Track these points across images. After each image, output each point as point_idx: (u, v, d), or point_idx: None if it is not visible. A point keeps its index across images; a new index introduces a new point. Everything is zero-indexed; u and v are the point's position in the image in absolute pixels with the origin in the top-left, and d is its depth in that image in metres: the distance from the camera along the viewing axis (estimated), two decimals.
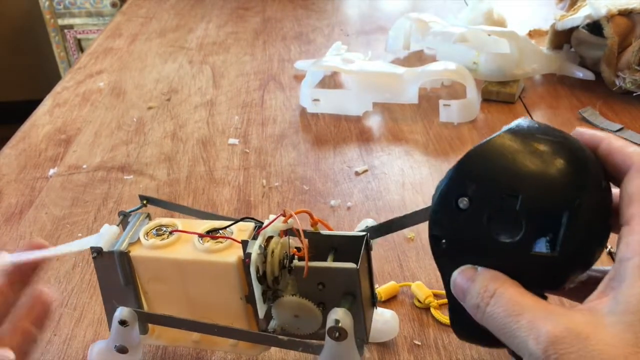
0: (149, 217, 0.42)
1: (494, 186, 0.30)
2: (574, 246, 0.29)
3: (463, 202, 0.31)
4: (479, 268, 0.31)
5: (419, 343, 0.45)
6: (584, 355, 0.25)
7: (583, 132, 0.33)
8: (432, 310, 0.47)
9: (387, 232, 0.39)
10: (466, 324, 0.33)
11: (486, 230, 0.31)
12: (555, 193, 0.29)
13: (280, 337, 0.38)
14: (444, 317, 0.47)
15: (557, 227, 0.29)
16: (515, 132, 0.32)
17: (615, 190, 0.32)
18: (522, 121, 0.32)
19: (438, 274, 0.51)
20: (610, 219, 0.31)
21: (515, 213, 0.30)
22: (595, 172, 0.31)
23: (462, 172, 0.32)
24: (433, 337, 0.45)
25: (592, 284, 0.29)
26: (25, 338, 0.40)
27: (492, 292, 0.29)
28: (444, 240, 0.33)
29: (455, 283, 0.32)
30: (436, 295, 0.48)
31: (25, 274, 0.42)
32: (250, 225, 0.40)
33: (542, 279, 0.30)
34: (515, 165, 0.30)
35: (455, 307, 0.33)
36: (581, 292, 0.30)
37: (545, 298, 0.31)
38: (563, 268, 0.30)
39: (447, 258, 0.33)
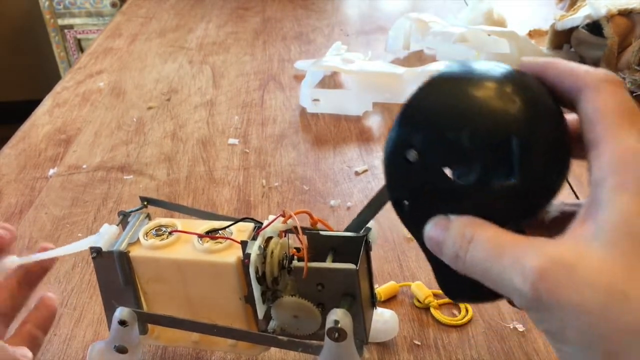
0: (148, 217, 0.42)
1: (437, 129, 0.29)
2: (531, 171, 0.28)
3: (412, 155, 0.29)
4: (451, 216, 0.29)
5: (419, 343, 0.45)
6: (574, 285, 0.24)
7: (525, 61, 0.31)
8: (432, 310, 0.47)
9: (363, 225, 0.38)
10: (454, 281, 0.31)
11: (443, 176, 0.29)
12: (500, 121, 0.28)
13: (279, 337, 0.38)
14: (444, 317, 0.47)
15: (511, 156, 0.28)
16: (450, 72, 0.30)
17: (570, 117, 0.30)
18: (455, 62, 0.31)
19: None
20: (567, 144, 0.29)
21: (466, 151, 0.28)
22: (541, 97, 0.29)
23: (402, 125, 0.30)
24: (433, 337, 0.45)
25: (570, 218, 0.28)
26: (30, 341, 0.40)
27: (469, 237, 0.28)
28: (405, 202, 0.31)
29: (429, 237, 0.30)
30: (436, 295, 0.48)
31: (32, 277, 0.43)
32: (250, 225, 0.40)
33: (512, 212, 0.29)
34: (455, 102, 0.29)
35: (438, 266, 0.31)
36: (561, 228, 0.28)
37: (524, 233, 0.29)
38: (528, 195, 0.29)
39: (414, 219, 0.31)
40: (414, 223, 0.32)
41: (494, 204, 0.29)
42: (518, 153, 0.28)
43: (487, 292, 0.29)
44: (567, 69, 0.29)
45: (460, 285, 0.31)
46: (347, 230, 0.39)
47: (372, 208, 0.37)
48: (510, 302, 0.30)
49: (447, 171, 0.29)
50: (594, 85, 0.28)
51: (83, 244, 0.40)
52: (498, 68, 0.30)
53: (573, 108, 0.29)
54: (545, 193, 0.29)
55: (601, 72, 0.28)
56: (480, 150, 0.28)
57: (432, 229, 0.30)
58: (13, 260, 0.42)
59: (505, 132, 0.28)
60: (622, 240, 0.24)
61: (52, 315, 0.43)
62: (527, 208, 0.29)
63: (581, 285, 0.24)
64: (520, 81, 0.29)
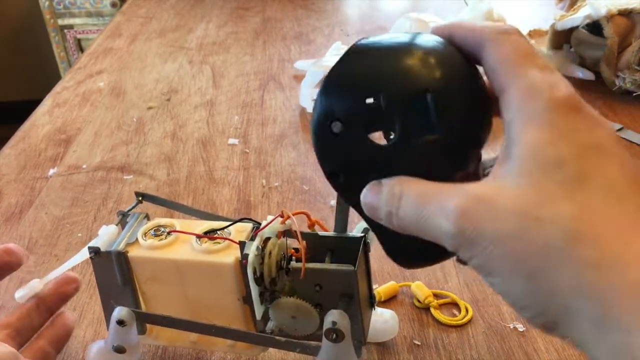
0: (147, 217, 0.42)
1: (355, 97, 0.30)
2: (450, 123, 0.29)
3: (337, 126, 0.30)
4: (383, 180, 0.30)
5: (419, 343, 0.45)
6: (493, 216, 0.25)
7: (434, 27, 0.32)
8: (432, 310, 0.47)
9: (345, 222, 0.39)
10: (400, 246, 0.32)
11: (369, 143, 0.30)
12: (413, 79, 0.29)
13: (277, 338, 0.38)
14: (444, 317, 0.47)
15: (429, 111, 0.28)
16: (363, 44, 0.31)
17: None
18: (366, 38, 0.32)
19: (438, 274, 0.51)
20: (484, 97, 0.30)
21: (385, 113, 0.29)
22: (450, 54, 0.30)
23: (323, 98, 0.31)
24: (433, 337, 0.45)
25: None
26: (41, 357, 0.41)
27: (398, 194, 0.29)
28: (340, 175, 0.32)
29: (364, 203, 0.31)
30: (436, 295, 0.48)
31: (52, 301, 0.43)
32: (248, 226, 0.40)
33: (441, 166, 0.30)
34: (369, 69, 0.30)
35: (382, 234, 0.32)
36: None
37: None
38: (451, 147, 0.29)
39: (351, 189, 0.32)
40: (352, 193, 0.32)
41: (421, 160, 0.29)
42: (434, 106, 0.28)
43: (432, 250, 0.29)
44: (469, 27, 0.30)
45: (406, 249, 0.32)
46: (335, 230, 0.39)
47: (342, 210, 0.38)
48: (459, 260, 0.30)
49: (374, 137, 0.30)
50: (492, 37, 0.29)
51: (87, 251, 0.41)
52: (408, 35, 0.31)
53: (481, 64, 0.30)
54: (468, 143, 0.30)
55: (498, 25, 0.30)
56: (398, 109, 0.29)
57: (367, 194, 0.31)
58: (35, 283, 0.43)
59: (418, 88, 0.29)
60: (532, 169, 0.26)
61: (67, 334, 0.44)
62: (454, 161, 0.30)
63: (499, 215, 0.25)
64: (430, 43, 0.30)
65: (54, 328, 0.43)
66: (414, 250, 0.31)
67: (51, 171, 0.70)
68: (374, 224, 0.32)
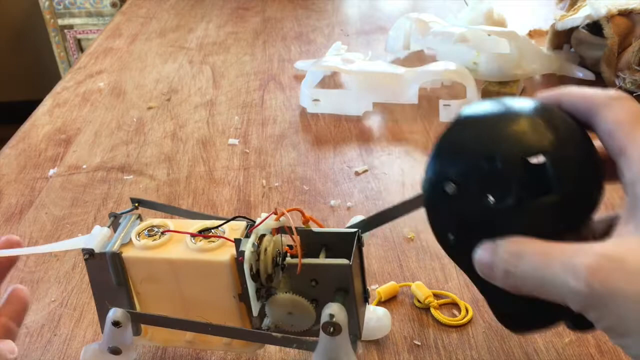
0: (140, 218, 0.42)
1: (472, 158, 0.30)
2: (567, 183, 0.29)
3: (450, 188, 0.31)
4: (497, 240, 0.30)
5: (419, 343, 0.45)
6: (626, 276, 0.25)
7: (542, 94, 0.33)
8: (432, 310, 0.47)
9: (377, 224, 0.39)
10: (510, 308, 0.32)
11: (483, 203, 0.30)
12: (530, 141, 0.30)
13: (274, 334, 0.38)
14: (444, 317, 0.47)
15: (545, 173, 0.29)
16: (473, 110, 0.32)
17: (597, 143, 0.32)
18: (475, 102, 0.33)
19: (438, 274, 0.51)
20: (596, 158, 0.31)
21: (501, 174, 0.29)
22: (562, 118, 0.31)
23: (437, 160, 0.32)
24: (433, 337, 0.45)
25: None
26: (5, 333, 0.40)
27: (517, 253, 0.29)
28: (449, 234, 0.32)
29: (478, 262, 0.31)
30: (436, 296, 0.48)
31: (0, 268, 0.42)
32: (243, 224, 0.40)
33: (554, 227, 0.30)
34: (485, 133, 0.31)
35: (493, 297, 0.32)
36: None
37: None
38: (568, 207, 0.30)
39: (461, 250, 0.32)
40: (461, 254, 0.32)
41: (535, 221, 0.30)
42: (550, 168, 0.29)
43: (546, 313, 0.30)
44: (579, 93, 0.31)
45: (519, 312, 0.32)
46: (355, 226, 0.40)
47: (394, 212, 0.37)
48: (568, 326, 0.31)
49: (487, 197, 0.30)
50: (605, 102, 0.30)
51: (71, 244, 0.41)
52: (519, 101, 0.32)
53: (591, 129, 0.31)
54: (583, 205, 0.31)
55: (609, 91, 0.30)
56: (514, 170, 0.29)
57: (481, 253, 0.31)
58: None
59: (535, 149, 0.29)
60: None
61: (24, 307, 0.43)
62: (569, 222, 0.30)
63: (633, 275, 0.25)
64: (542, 107, 0.31)
65: (11, 304, 0.43)
66: (527, 313, 0.32)
67: (51, 171, 0.70)
68: (485, 288, 0.32)
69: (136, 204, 0.44)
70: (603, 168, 0.31)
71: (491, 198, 0.30)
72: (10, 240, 0.43)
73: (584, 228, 0.31)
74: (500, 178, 0.29)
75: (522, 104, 0.31)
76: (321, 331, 0.36)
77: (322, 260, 0.38)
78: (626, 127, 0.29)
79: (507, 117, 0.31)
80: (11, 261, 0.43)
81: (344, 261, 0.37)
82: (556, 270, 0.27)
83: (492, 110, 0.32)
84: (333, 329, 0.36)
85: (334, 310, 0.36)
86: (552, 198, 0.29)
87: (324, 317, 0.36)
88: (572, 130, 0.31)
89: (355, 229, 0.39)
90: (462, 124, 0.32)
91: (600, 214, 0.33)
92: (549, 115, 0.31)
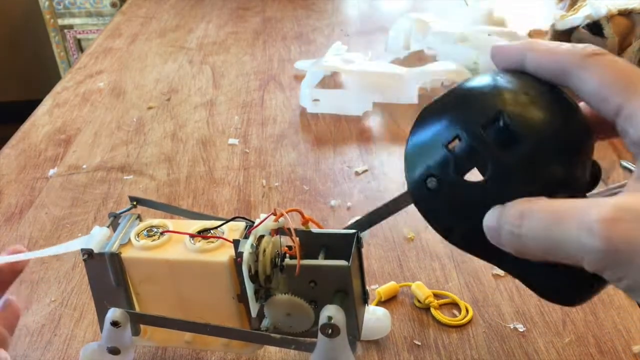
0: (139, 218, 0.42)
1: (435, 147, 0.30)
2: (533, 129, 0.28)
3: (432, 182, 0.30)
4: (506, 204, 0.28)
5: (419, 343, 0.45)
6: None
7: (499, 47, 0.31)
8: (432, 310, 0.47)
9: (372, 223, 0.38)
10: (544, 280, 0.30)
11: (467, 184, 0.29)
12: (482, 106, 0.29)
13: (272, 335, 0.38)
14: (444, 317, 0.47)
15: (509, 128, 0.28)
16: (430, 105, 0.32)
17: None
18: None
19: (438, 274, 0.51)
20: (569, 104, 0.29)
21: (469, 152, 0.29)
22: (515, 75, 0.30)
23: (409, 164, 0.31)
24: (433, 337, 0.45)
25: None
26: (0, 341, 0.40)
27: (522, 213, 0.27)
28: (454, 229, 0.31)
29: (487, 228, 0.29)
30: (436, 296, 0.48)
31: (4, 278, 0.43)
32: (242, 224, 0.40)
33: (552, 178, 0.28)
34: (438, 118, 0.30)
35: (528, 274, 0.30)
36: None
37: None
38: (550, 153, 0.28)
39: (468, 238, 0.31)
40: (470, 242, 0.31)
41: (527, 179, 0.28)
42: (510, 120, 0.28)
43: (569, 278, 0.28)
44: (546, 52, 0.29)
45: (553, 281, 0.30)
46: (349, 228, 0.39)
47: (384, 211, 0.37)
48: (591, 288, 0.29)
49: (469, 181, 0.29)
50: (580, 64, 0.28)
51: (70, 246, 0.41)
52: (472, 80, 0.31)
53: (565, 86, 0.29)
54: (567, 147, 0.29)
55: (580, 47, 0.28)
56: (479, 139, 0.28)
57: (488, 218, 0.28)
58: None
59: (491, 111, 0.28)
60: None
61: (16, 317, 0.43)
62: (561, 171, 0.28)
63: None
64: (493, 75, 0.30)
65: (4, 312, 0.43)
66: (562, 280, 0.30)
67: (51, 171, 0.70)
68: (517, 267, 0.30)
69: (134, 203, 0.44)
70: (580, 113, 0.30)
71: (472, 178, 0.29)
72: (16, 251, 0.43)
73: (582, 184, 0.29)
74: (469, 153, 0.29)
75: (475, 81, 0.31)
76: (319, 333, 0.36)
77: (321, 261, 0.38)
78: (615, 87, 0.27)
79: (454, 97, 0.31)
80: (15, 271, 0.43)
81: (343, 263, 0.36)
82: (567, 227, 0.24)
83: (445, 99, 0.31)
84: (331, 330, 0.36)
85: (332, 312, 0.35)
86: (524, 147, 0.28)
87: (322, 319, 0.36)
88: (527, 83, 0.30)
89: (355, 230, 0.39)
90: (419, 119, 0.32)
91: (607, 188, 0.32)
92: (501, 79, 0.30)
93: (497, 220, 0.28)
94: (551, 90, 0.30)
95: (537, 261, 0.27)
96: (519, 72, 0.30)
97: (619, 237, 0.23)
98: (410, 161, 0.31)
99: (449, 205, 0.31)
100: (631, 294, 0.25)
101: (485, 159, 0.28)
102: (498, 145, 0.28)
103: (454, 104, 0.30)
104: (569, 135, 0.29)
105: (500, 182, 0.28)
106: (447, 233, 0.32)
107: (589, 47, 0.28)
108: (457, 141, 0.29)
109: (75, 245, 0.41)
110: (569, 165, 0.29)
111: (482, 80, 0.30)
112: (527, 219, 0.26)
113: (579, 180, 0.29)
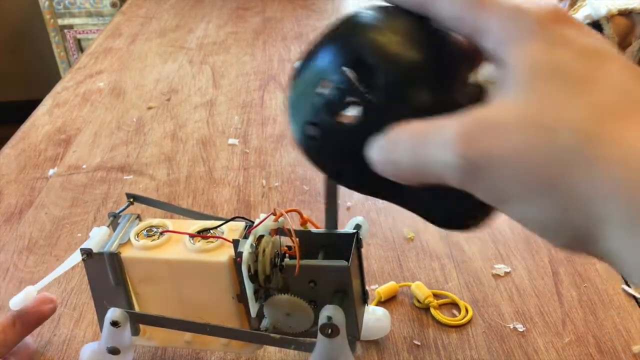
0: (139, 218, 0.42)
1: (307, 94, 0.30)
2: (389, 57, 0.28)
3: (311, 130, 0.30)
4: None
5: (419, 343, 0.45)
6: (501, 136, 0.23)
7: None
8: (431, 310, 0.47)
9: (335, 219, 0.39)
10: (430, 206, 0.30)
11: (351, 127, 0.29)
12: (339, 47, 0.29)
13: (272, 335, 0.38)
14: (444, 317, 0.47)
15: (367, 60, 0.28)
16: (305, 50, 0.32)
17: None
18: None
19: (438, 274, 0.51)
20: (423, 24, 0.29)
21: (339, 92, 0.29)
22: (372, 10, 0.30)
23: (291, 117, 0.31)
24: (433, 337, 0.45)
25: None
26: None
27: (394, 139, 0.26)
28: (342, 170, 0.31)
29: (372, 161, 0.28)
30: (436, 296, 0.48)
31: (29, 319, 0.43)
32: (241, 224, 0.40)
33: (420, 98, 0.28)
34: (310, 61, 0.31)
35: (409, 200, 0.30)
36: None
37: None
38: (408, 78, 0.28)
39: (357, 177, 0.31)
40: (359, 181, 0.31)
41: (397, 108, 0.28)
42: (372, 57, 0.28)
43: (457, 200, 0.28)
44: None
45: (431, 205, 0.30)
46: (327, 226, 0.39)
47: (331, 199, 0.37)
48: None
49: (346, 122, 0.29)
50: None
51: (77, 257, 0.41)
52: (338, 21, 0.31)
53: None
54: (429, 74, 0.28)
55: None
56: (343, 78, 0.28)
57: (370, 151, 0.28)
58: (30, 290, 0.43)
59: (347, 50, 0.29)
60: (531, 80, 0.23)
61: (31, 358, 0.45)
62: (425, 91, 0.28)
63: (505, 133, 0.23)
64: (352, 15, 0.30)
65: (19, 353, 0.44)
66: (444, 205, 0.30)
67: (51, 171, 0.70)
68: (407, 198, 0.30)
69: (131, 200, 0.44)
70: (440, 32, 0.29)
71: (347, 118, 0.29)
72: (44, 299, 0.45)
73: (456, 94, 0.29)
74: (340, 97, 0.29)
75: (338, 21, 0.31)
76: (319, 333, 0.36)
77: (320, 261, 0.38)
78: (470, 6, 0.26)
79: (325, 42, 0.31)
80: (40, 317, 0.44)
81: (342, 263, 0.37)
82: (429, 146, 0.24)
83: (311, 47, 0.31)
84: (331, 330, 0.36)
85: (332, 312, 0.35)
86: (387, 79, 0.27)
87: (322, 319, 0.36)
88: (389, 15, 0.30)
89: (354, 231, 0.39)
90: (295, 69, 0.32)
91: None
92: (364, 15, 0.30)
93: (376, 150, 0.27)
94: (419, 20, 0.29)
95: (417, 186, 0.27)
96: (385, 7, 0.30)
97: (473, 150, 0.23)
98: (290, 114, 0.31)
99: (332, 149, 0.30)
100: (491, 201, 0.24)
101: (354, 98, 0.28)
102: (362, 82, 0.28)
103: (321, 46, 0.31)
104: (435, 61, 0.29)
105: (372, 118, 0.28)
106: (338, 177, 0.32)
107: None
108: (327, 84, 0.29)
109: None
110: (437, 90, 0.28)
111: (344, 20, 0.30)
112: (397, 142, 0.26)
113: (453, 103, 0.28)
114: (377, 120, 0.28)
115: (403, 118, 0.27)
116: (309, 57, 0.31)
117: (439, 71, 0.29)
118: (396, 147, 0.26)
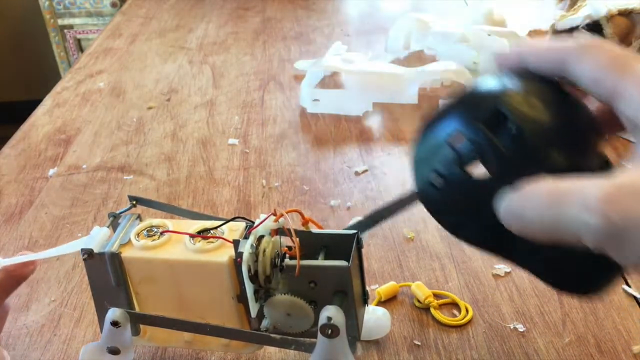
0: (139, 218, 0.42)
1: (437, 143, 0.30)
2: (526, 115, 0.28)
3: (438, 180, 0.30)
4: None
5: (419, 343, 0.45)
6: None
7: (504, 57, 0.31)
8: (432, 310, 0.47)
9: (373, 224, 0.39)
10: (541, 262, 0.31)
11: (480, 181, 0.29)
12: (480, 104, 0.30)
13: (272, 335, 0.38)
14: (444, 317, 0.47)
15: (505, 120, 0.28)
16: (435, 111, 0.33)
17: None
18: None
19: (438, 274, 0.51)
20: (569, 97, 0.30)
21: (471, 145, 0.29)
22: (514, 75, 0.31)
23: (414, 165, 0.32)
24: (433, 337, 0.45)
25: None
26: None
27: (525, 193, 0.27)
28: (462, 224, 0.31)
29: (498, 213, 0.28)
30: (436, 296, 0.48)
31: (10, 282, 0.43)
32: (242, 224, 0.40)
33: (554, 160, 0.29)
34: (446, 114, 0.31)
35: (534, 261, 0.31)
36: None
37: None
38: (539, 135, 0.29)
39: (477, 232, 0.31)
40: (479, 236, 0.31)
41: (529, 169, 0.28)
42: (505, 109, 0.28)
43: (584, 263, 0.28)
44: (546, 47, 0.30)
45: (555, 266, 0.30)
46: (350, 228, 0.39)
47: (387, 211, 0.37)
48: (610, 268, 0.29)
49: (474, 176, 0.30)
50: (578, 53, 0.29)
51: (71, 247, 0.41)
52: (477, 83, 0.31)
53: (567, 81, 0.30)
54: (565, 138, 0.29)
55: (579, 39, 0.29)
56: (478, 131, 0.29)
57: (498, 203, 0.28)
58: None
59: (489, 106, 0.29)
60: None
61: (5, 315, 0.44)
62: (558, 152, 0.29)
63: None
64: (493, 76, 0.31)
65: None
66: (572, 268, 0.30)
67: (51, 171, 0.70)
68: (528, 257, 0.30)
69: (134, 202, 0.44)
70: (580, 103, 0.30)
71: (478, 173, 0.29)
72: (26, 262, 0.43)
73: (592, 172, 0.29)
74: (473, 150, 0.29)
75: (476, 83, 0.31)
76: (319, 333, 0.36)
77: (320, 262, 0.38)
78: (609, 69, 0.27)
79: (462, 98, 0.31)
80: (20, 277, 0.43)
81: (343, 263, 0.37)
82: (566, 205, 0.25)
83: (448, 102, 0.32)
84: (331, 331, 0.36)
85: (332, 312, 0.35)
86: (523, 137, 0.28)
87: (322, 320, 0.36)
88: (527, 80, 0.30)
89: (354, 231, 0.39)
90: (426, 122, 0.32)
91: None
92: (501, 78, 0.30)
93: (507, 203, 0.28)
94: (551, 86, 0.30)
95: (544, 245, 0.27)
96: (520, 72, 0.31)
97: (617, 214, 0.23)
98: (415, 162, 0.32)
99: (456, 201, 0.31)
100: (635, 269, 0.26)
101: (488, 152, 0.29)
102: (498, 138, 0.29)
103: (455, 104, 0.31)
104: (568, 125, 0.29)
105: (504, 173, 0.29)
106: (456, 229, 0.32)
107: (589, 39, 0.29)
108: (459, 137, 0.29)
109: (76, 245, 0.41)
110: (570, 154, 0.29)
111: (482, 81, 0.31)
112: (530, 199, 0.27)
113: (585, 168, 0.29)
114: (508, 176, 0.28)
115: (535, 175, 0.28)
116: (442, 113, 0.31)
117: (575, 134, 0.29)
118: (529, 202, 0.27)
